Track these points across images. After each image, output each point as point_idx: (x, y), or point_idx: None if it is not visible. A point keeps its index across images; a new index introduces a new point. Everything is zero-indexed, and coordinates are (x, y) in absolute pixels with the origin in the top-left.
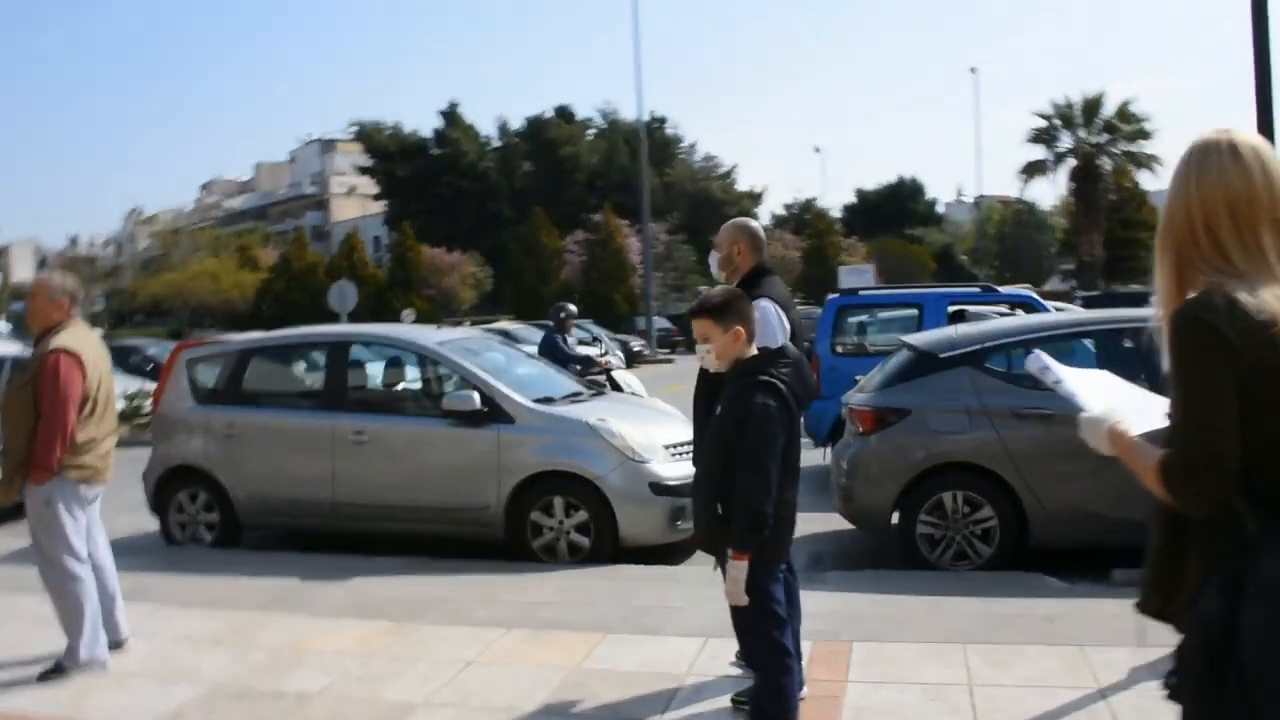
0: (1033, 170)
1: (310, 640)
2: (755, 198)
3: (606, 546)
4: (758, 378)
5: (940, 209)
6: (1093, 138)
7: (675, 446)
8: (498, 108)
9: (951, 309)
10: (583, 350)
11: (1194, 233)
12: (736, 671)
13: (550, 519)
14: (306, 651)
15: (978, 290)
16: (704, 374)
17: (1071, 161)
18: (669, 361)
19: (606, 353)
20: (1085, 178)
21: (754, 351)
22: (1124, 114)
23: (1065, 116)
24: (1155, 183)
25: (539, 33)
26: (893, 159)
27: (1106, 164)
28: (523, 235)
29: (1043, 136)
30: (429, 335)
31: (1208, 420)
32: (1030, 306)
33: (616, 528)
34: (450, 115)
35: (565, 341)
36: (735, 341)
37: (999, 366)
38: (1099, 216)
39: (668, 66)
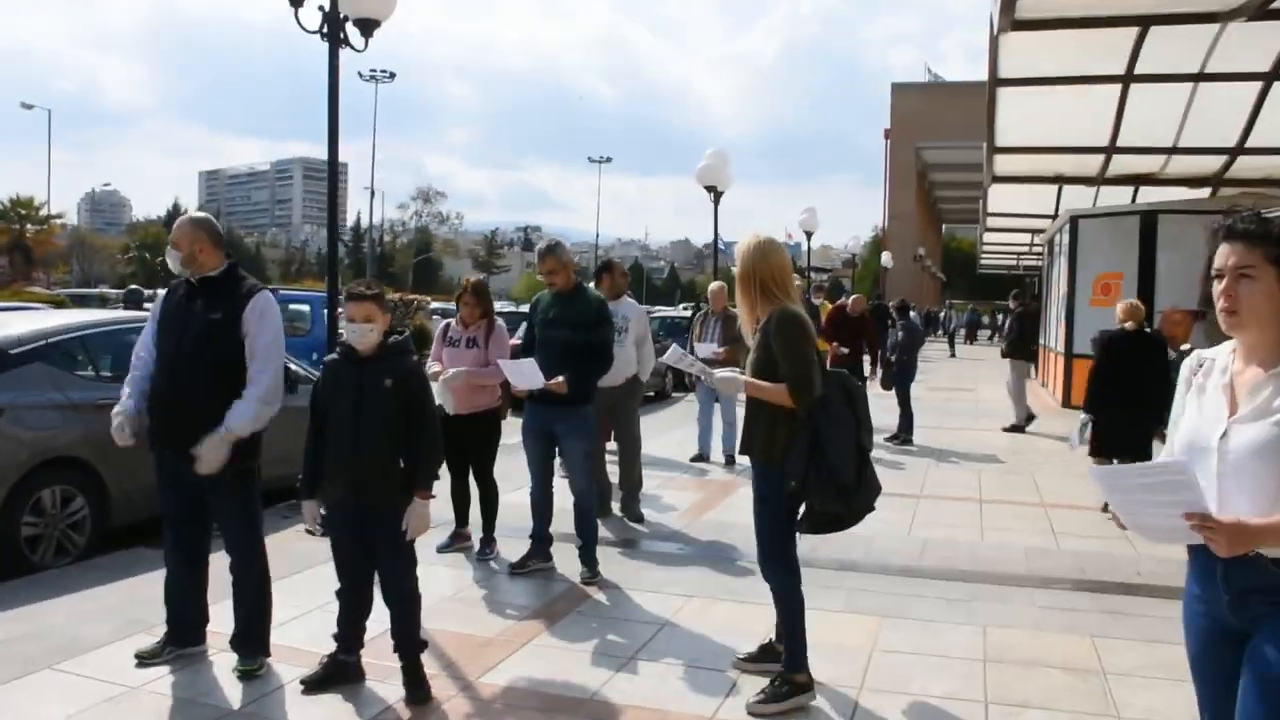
0: None
1: None
2: None
3: None
4: (409, 353)
5: None
6: None
7: None
8: None
9: None
10: None
11: (774, 280)
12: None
13: None
14: None
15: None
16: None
17: None
18: None
19: None
20: None
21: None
22: None
23: None
24: None
25: None
26: None
27: None
28: None
29: None
30: None
31: (810, 368)
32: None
33: None
34: None
35: None
36: (386, 324)
37: (68, 361)
38: None
39: None
